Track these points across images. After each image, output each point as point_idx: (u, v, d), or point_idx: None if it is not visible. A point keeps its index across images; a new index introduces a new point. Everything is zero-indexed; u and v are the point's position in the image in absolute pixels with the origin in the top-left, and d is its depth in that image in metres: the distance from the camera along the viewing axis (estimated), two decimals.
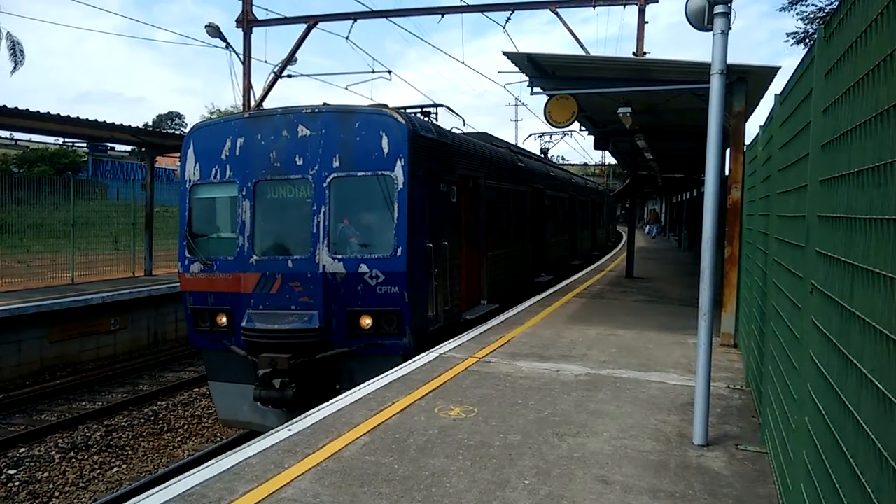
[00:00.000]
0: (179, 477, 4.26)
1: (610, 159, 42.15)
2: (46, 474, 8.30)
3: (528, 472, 4.35)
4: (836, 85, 2.60)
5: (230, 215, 8.67)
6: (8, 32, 27.63)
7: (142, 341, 14.63)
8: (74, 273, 15.63)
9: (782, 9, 25.42)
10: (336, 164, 8.05)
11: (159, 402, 11.18)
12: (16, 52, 27.86)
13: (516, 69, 10.05)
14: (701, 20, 4.96)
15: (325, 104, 8.53)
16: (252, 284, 8.18)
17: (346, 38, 17.20)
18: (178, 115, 71.88)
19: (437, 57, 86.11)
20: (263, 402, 8.03)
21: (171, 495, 3.96)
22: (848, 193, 2.29)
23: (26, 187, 15.93)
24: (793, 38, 25.63)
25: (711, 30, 4.85)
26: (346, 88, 18.67)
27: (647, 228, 46.61)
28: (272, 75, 18.14)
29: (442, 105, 10.83)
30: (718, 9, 4.77)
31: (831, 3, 22.19)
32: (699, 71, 7.75)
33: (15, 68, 27.88)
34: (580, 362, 7.44)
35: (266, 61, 26.69)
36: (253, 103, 17.89)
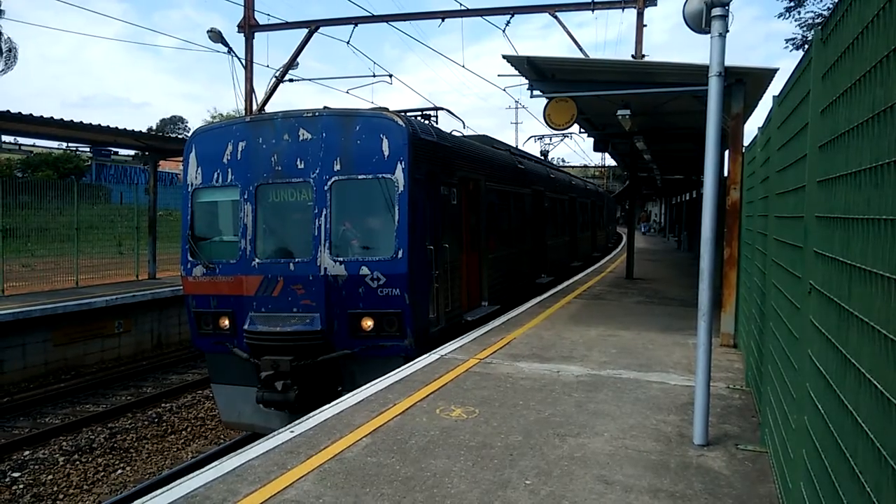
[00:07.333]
0: (183, 479, 4.29)
1: (610, 161, 42.24)
2: (51, 477, 8.33)
3: (530, 473, 4.37)
4: (833, 86, 2.61)
5: (232, 219, 8.70)
6: (8, 37, 27.73)
7: (145, 344, 14.67)
8: (78, 277, 15.67)
9: (780, 15, 25.35)
10: (337, 167, 8.08)
11: (163, 405, 11.22)
12: (10, 57, 27.94)
13: (516, 72, 10.08)
14: (699, 23, 4.98)
15: (325, 108, 8.57)
16: (254, 287, 8.21)
17: (347, 43, 17.28)
18: (182, 120, 72.00)
19: (437, 61, 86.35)
20: (266, 404, 8.06)
21: (174, 497, 3.98)
22: (845, 194, 2.31)
23: (30, 192, 15.97)
24: (791, 44, 25.60)
25: (709, 32, 4.87)
26: (347, 92, 18.68)
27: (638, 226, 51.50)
28: (274, 80, 18.21)
29: (442, 108, 10.85)
30: (716, 11, 4.80)
31: (829, 9, 22.16)
32: (697, 73, 7.77)
33: (4, 71, 27.98)
34: (581, 363, 7.46)
35: (268, 66, 26.72)
36: (255, 107, 17.94)
